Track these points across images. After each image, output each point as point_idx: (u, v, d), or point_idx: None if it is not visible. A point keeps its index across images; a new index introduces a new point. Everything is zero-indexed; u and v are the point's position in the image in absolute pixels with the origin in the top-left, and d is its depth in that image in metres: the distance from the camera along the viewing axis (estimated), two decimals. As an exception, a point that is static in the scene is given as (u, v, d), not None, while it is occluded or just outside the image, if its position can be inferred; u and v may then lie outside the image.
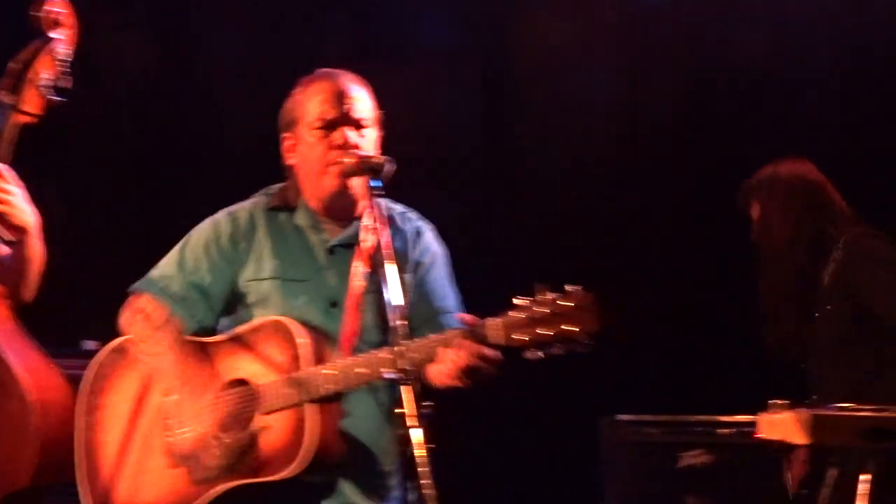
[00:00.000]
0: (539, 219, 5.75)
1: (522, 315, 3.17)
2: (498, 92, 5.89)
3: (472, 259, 3.85)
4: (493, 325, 3.20)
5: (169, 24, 5.83)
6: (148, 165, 5.90)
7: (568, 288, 3.15)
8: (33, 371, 3.54)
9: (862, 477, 3.67)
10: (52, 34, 3.68)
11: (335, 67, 5.41)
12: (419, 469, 2.98)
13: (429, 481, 2.97)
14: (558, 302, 3.15)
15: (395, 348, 3.12)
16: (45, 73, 3.67)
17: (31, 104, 3.66)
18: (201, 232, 3.66)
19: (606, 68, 5.86)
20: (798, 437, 3.60)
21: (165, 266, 3.65)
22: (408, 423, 3.00)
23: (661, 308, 5.75)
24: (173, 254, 3.65)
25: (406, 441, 3.02)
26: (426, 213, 3.71)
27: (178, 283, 3.60)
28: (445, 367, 3.24)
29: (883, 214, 4.48)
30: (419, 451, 2.98)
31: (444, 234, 3.70)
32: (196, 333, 3.58)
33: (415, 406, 3.02)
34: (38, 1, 3.68)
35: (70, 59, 3.73)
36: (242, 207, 3.67)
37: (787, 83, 5.83)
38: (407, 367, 3.09)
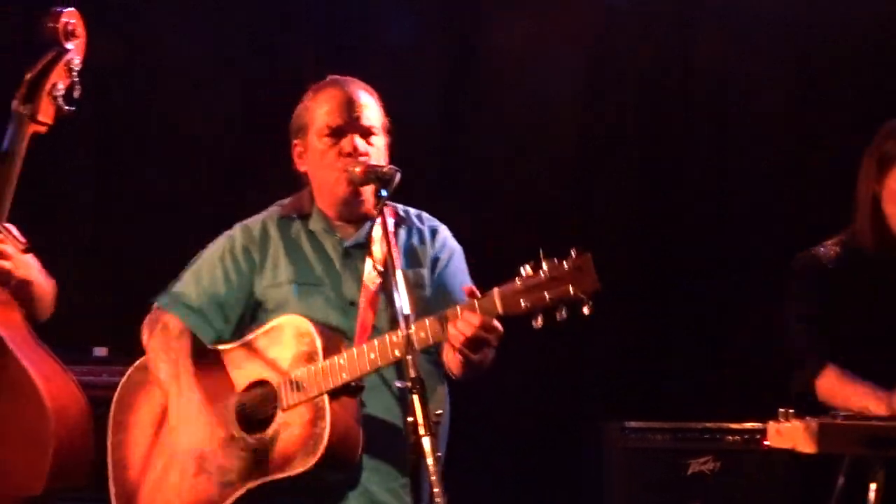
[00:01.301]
0: (500, 219, 5.76)
1: (519, 283, 3.19)
2: (458, 91, 5.90)
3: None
4: (490, 295, 3.24)
5: (133, 22, 5.83)
6: (111, 165, 5.91)
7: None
8: (48, 377, 3.58)
9: (871, 485, 3.68)
10: (67, 45, 3.74)
11: (302, 66, 5.46)
12: (430, 477, 2.99)
13: (439, 489, 2.99)
14: (555, 266, 3.17)
15: (404, 332, 3.16)
16: (59, 82, 3.72)
17: (46, 114, 3.71)
18: (216, 245, 3.73)
19: (566, 66, 5.87)
20: (806, 445, 3.60)
21: (183, 279, 3.73)
22: (418, 432, 3.02)
23: (665, 314, 5.75)
24: (190, 267, 3.73)
25: (416, 449, 3.03)
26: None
27: (194, 296, 3.67)
28: (453, 341, 3.28)
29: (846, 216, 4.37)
30: (429, 459, 3.00)
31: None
32: (214, 343, 3.64)
33: (424, 414, 3.04)
34: (53, 13, 3.73)
35: (80, 69, 3.79)
36: (255, 219, 3.75)
37: (747, 82, 5.84)
38: (417, 349, 3.15)
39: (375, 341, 3.37)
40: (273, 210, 3.75)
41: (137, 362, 3.72)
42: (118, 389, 3.73)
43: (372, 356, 3.35)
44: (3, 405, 3.54)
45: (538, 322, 3.17)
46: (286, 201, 3.75)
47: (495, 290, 3.23)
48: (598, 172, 5.88)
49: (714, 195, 5.84)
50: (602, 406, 5.47)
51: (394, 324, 3.49)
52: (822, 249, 4.12)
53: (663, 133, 5.86)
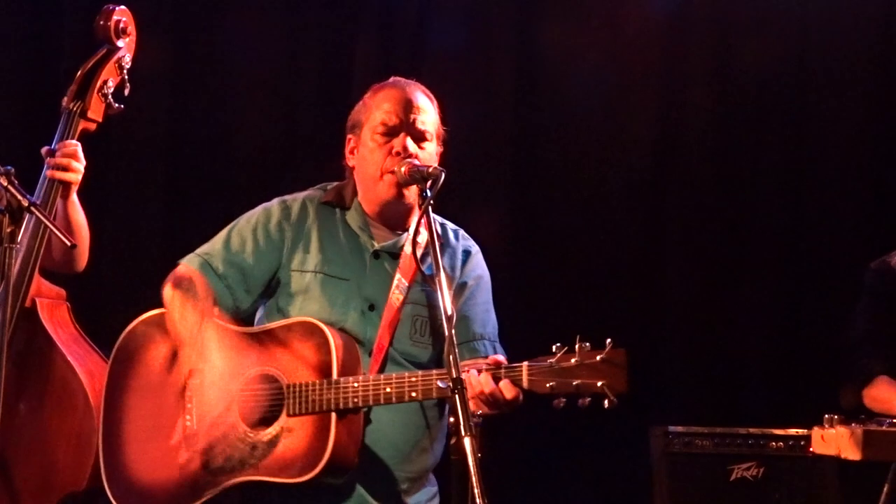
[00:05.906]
0: (572, 235, 5.74)
1: (548, 362, 3.21)
2: (527, 99, 5.87)
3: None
4: (518, 369, 3.26)
5: (189, 27, 5.84)
6: (179, 169, 5.90)
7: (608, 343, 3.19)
8: (93, 374, 3.60)
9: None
10: (118, 42, 3.77)
11: (359, 71, 5.42)
12: (471, 478, 2.99)
13: (479, 490, 2.98)
14: (588, 354, 3.19)
15: (423, 374, 3.18)
16: (109, 80, 3.75)
17: (95, 111, 3.74)
18: (252, 214, 3.70)
19: (637, 73, 5.84)
20: (851, 452, 3.57)
21: (212, 243, 3.68)
22: (459, 433, 3.02)
23: (713, 319, 5.72)
24: (222, 232, 3.69)
25: (457, 450, 3.03)
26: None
27: (220, 261, 3.62)
28: (471, 393, 3.28)
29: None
30: (470, 461, 2.99)
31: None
32: (231, 313, 3.59)
33: (465, 415, 3.04)
34: (105, 11, 3.77)
35: (130, 67, 3.82)
36: (296, 197, 3.72)
37: (823, 91, 5.79)
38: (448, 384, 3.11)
39: (394, 376, 3.36)
40: (315, 193, 3.72)
41: (145, 315, 3.62)
42: (121, 340, 3.60)
43: (388, 390, 3.34)
44: (50, 402, 3.58)
45: (560, 403, 3.19)
46: (330, 187, 3.73)
47: (525, 365, 3.25)
48: (674, 182, 5.84)
49: (778, 206, 5.80)
50: (647, 410, 5.44)
51: (412, 338, 3.53)
52: (895, 259, 4.08)
53: (740, 142, 5.81)
